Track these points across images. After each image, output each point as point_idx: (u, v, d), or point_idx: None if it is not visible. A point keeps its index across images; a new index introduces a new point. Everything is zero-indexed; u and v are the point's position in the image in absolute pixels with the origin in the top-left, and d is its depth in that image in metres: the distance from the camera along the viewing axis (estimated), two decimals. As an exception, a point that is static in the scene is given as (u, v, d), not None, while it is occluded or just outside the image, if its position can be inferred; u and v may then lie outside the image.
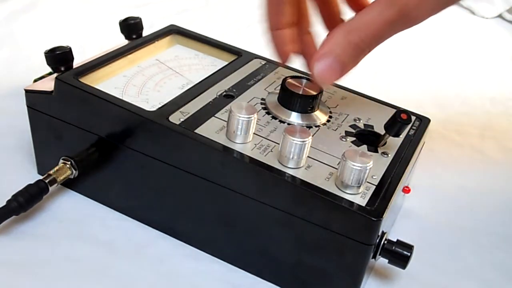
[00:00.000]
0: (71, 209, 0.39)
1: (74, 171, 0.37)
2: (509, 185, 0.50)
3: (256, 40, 0.72)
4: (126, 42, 0.45)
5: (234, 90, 0.40)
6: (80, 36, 0.65)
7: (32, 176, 0.41)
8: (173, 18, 0.58)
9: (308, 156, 0.34)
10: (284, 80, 0.38)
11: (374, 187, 0.33)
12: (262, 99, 0.39)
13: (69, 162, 0.37)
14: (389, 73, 0.69)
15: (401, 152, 0.37)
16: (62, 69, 0.38)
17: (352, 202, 0.31)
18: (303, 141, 0.32)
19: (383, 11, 0.31)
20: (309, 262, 0.33)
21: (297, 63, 0.47)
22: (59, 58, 0.38)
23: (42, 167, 0.41)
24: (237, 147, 0.34)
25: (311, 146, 0.34)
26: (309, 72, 0.38)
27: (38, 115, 0.38)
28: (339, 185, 0.32)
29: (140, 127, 0.35)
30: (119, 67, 0.42)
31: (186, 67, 0.44)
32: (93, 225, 0.38)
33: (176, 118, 0.35)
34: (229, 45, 0.47)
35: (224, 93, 0.39)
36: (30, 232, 0.37)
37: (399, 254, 0.34)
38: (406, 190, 0.38)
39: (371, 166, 0.31)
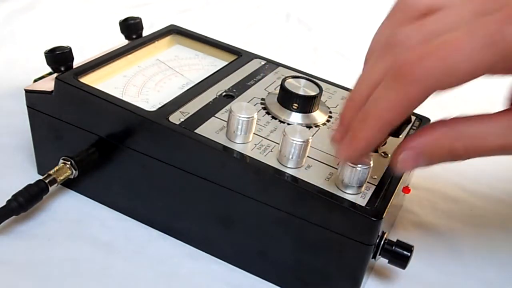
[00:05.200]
0: (71, 209, 0.39)
1: (74, 171, 0.37)
2: (509, 185, 0.50)
3: (256, 40, 0.73)
4: (126, 42, 0.45)
5: (234, 90, 0.40)
6: (80, 36, 0.65)
7: (32, 176, 0.41)
8: (173, 18, 0.58)
9: (308, 156, 0.34)
10: (284, 80, 0.38)
11: (374, 187, 0.33)
12: (262, 99, 0.39)
13: (69, 162, 0.37)
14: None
15: (401, 152, 0.37)
16: (62, 69, 0.38)
17: (352, 202, 0.31)
18: (303, 141, 0.32)
19: (507, 134, 0.26)
20: (309, 262, 0.33)
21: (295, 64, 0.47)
22: (59, 58, 0.38)
23: (42, 167, 0.41)
24: (237, 147, 0.34)
25: (311, 146, 0.34)
26: None
27: (38, 115, 0.38)
28: (339, 185, 0.32)
29: (140, 127, 0.35)
30: (119, 67, 0.42)
31: (186, 67, 0.44)
32: (93, 225, 0.38)
33: (176, 118, 0.35)
34: (229, 45, 0.47)
35: (224, 93, 0.39)
36: (30, 232, 0.37)
37: (399, 254, 0.34)
38: (406, 190, 0.38)
39: (371, 166, 0.31)
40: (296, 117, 0.37)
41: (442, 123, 0.28)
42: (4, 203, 0.35)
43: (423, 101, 0.27)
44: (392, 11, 0.30)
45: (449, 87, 0.26)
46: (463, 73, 0.25)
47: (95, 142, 0.37)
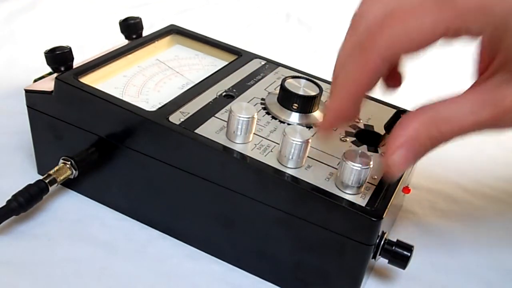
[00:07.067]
0: (71, 209, 0.39)
1: (74, 171, 0.37)
2: (509, 185, 0.50)
3: (256, 40, 0.73)
4: (126, 42, 0.45)
5: (234, 90, 0.40)
6: (80, 36, 0.65)
7: (32, 176, 0.41)
8: (173, 18, 0.58)
9: (308, 156, 0.34)
10: (284, 80, 0.38)
11: (374, 187, 0.33)
12: (262, 99, 0.39)
13: (69, 162, 0.37)
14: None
15: (401, 152, 0.37)
16: (62, 69, 0.38)
17: (352, 203, 0.31)
18: (303, 141, 0.32)
19: (477, 110, 0.27)
20: (309, 262, 0.33)
21: (296, 63, 0.47)
22: (59, 58, 0.38)
23: (42, 167, 0.41)
24: (237, 147, 0.34)
25: (311, 146, 0.34)
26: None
27: (38, 115, 0.38)
28: (339, 185, 0.32)
29: (140, 127, 0.35)
30: (119, 67, 0.42)
31: (186, 67, 0.44)
32: (93, 225, 0.38)
33: (176, 118, 0.35)
34: (229, 45, 0.47)
35: (224, 93, 0.39)
36: (30, 232, 0.37)
37: (399, 254, 0.34)
38: (406, 190, 0.38)
39: (371, 166, 0.31)
40: (296, 117, 0.37)
41: (414, 114, 0.29)
42: (4, 203, 0.35)
43: (384, 68, 0.27)
44: None
45: (409, 51, 0.27)
46: (420, 35, 0.26)
47: (95, 142, 0.37)
